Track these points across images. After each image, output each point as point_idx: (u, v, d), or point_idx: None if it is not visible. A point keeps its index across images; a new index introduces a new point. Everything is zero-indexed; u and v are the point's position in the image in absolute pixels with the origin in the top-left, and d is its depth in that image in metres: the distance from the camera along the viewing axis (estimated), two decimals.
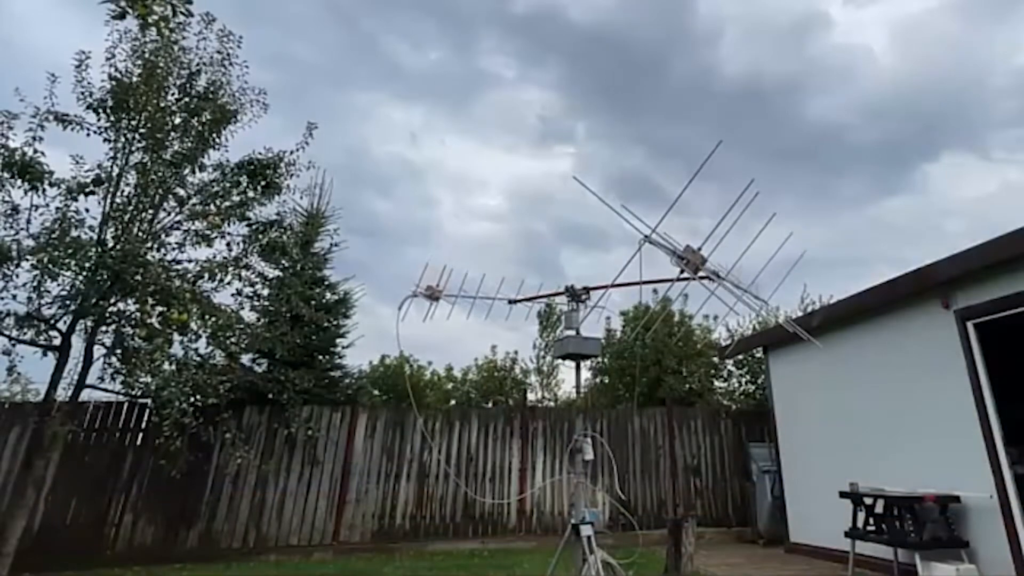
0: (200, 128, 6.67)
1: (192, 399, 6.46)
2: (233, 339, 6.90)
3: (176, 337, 6.42)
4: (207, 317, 6.43)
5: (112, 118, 6.25)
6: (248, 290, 7.48)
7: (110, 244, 6.02)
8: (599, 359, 12.84)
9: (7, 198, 5.85)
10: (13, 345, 5.87)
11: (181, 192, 6.58)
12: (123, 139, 6.29)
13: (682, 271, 2.68)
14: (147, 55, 6.35)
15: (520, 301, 3.28)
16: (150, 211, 6.33)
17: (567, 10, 18.41)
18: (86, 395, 6.42)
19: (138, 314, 6.14)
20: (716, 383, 12.69)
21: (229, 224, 6.82)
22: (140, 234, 6.21)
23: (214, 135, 6.78)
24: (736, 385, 12.62)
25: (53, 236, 5.59)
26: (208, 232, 6.62)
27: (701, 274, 2.65)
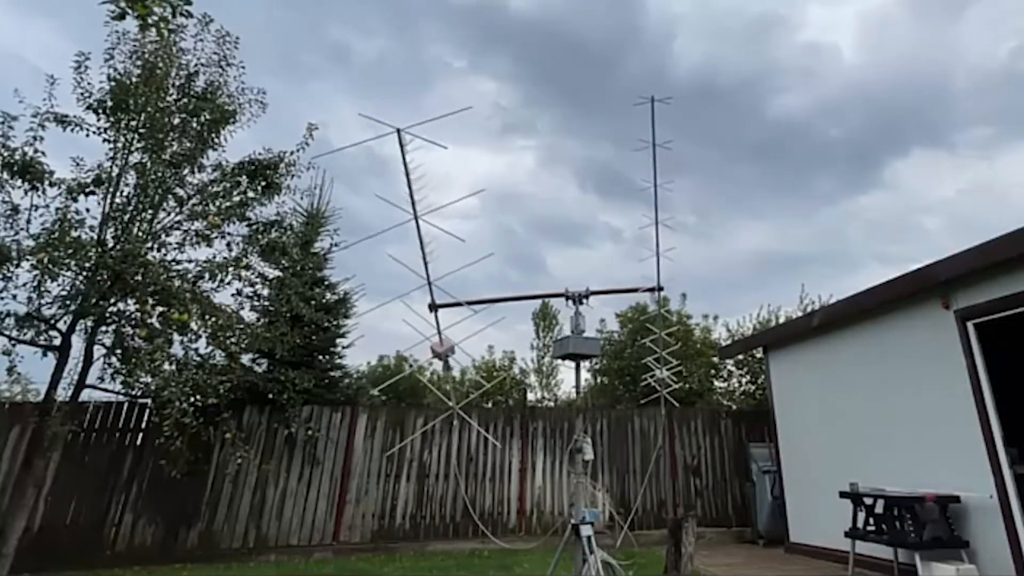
0: (199, 128, 6.69)
1: (192, 399, 6.45)
2: (233, 339, 6.90)
3: (176, 337, 6.42)
4: (207, 317, 6.43)
5: (112, 118, 6.25)
6: (248, 290, 7.52)
7: (110, 244, 6.02)
8: (598, 360, 12.83)
9: (7, 198, 5.85)
10: (13, 345, 5.87)
11: (181, 192, 6.59)
12: (123, 139, 6.30)
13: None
14: (146, 56, 6.36)
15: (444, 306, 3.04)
16: (150, 211, 6.33)
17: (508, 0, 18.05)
18: (86, 395, 6.43)
19: (138, 314, 6.13)
20: (716, 383, 12.69)
21: (229, 224, 6.84)
22: (140, 234, 6.22)
23: (213, 135, 6.80)
24: (736, 385, 12.61)
25: (53, 236, 5.58)
26: (208, 232, 6.63)
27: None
